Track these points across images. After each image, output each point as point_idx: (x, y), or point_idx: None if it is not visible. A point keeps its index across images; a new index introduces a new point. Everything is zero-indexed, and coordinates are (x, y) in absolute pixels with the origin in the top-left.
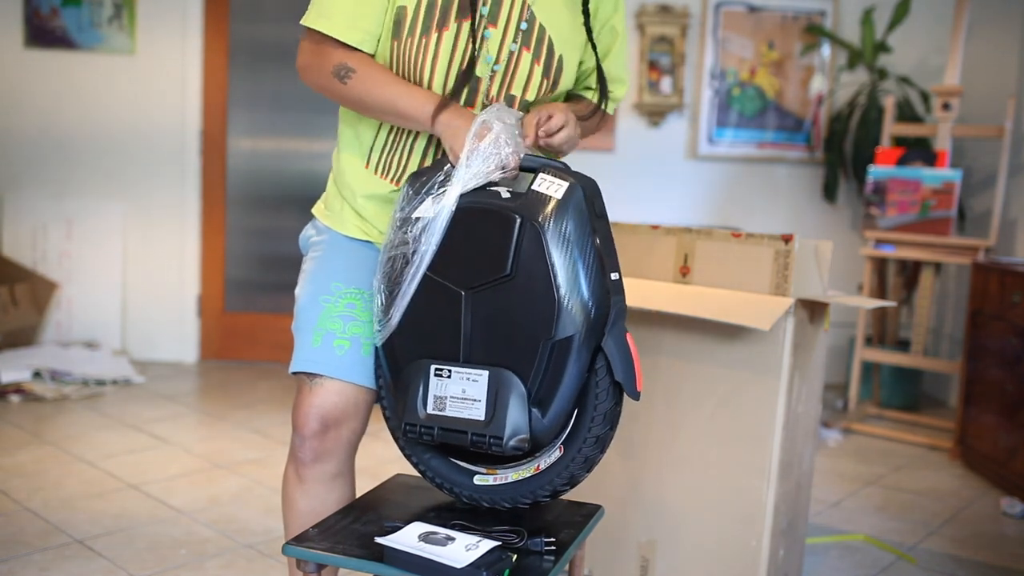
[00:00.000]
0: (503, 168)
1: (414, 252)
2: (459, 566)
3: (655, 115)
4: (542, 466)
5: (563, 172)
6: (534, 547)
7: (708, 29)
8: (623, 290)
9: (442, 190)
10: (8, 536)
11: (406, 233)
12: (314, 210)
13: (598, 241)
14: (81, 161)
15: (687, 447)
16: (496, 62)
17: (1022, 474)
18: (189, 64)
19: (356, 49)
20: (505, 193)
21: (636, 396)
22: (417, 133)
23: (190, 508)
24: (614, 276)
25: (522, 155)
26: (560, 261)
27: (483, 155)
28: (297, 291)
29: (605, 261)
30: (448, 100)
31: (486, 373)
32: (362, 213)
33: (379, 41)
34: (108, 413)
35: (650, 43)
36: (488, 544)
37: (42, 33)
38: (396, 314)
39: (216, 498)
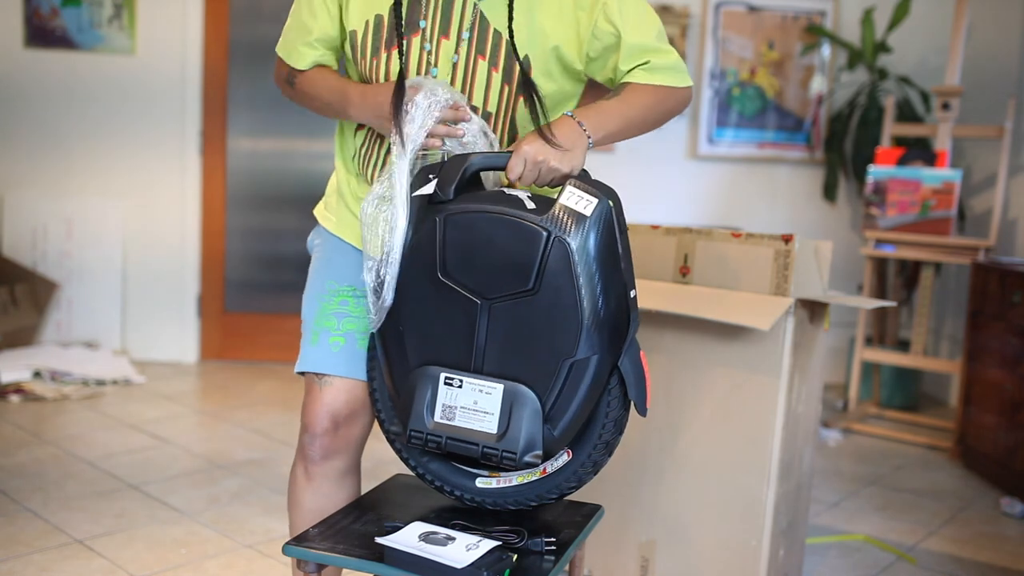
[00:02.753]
0: (445, 120)
1: (390, 228)
2: (460, 566)
3: None
4: (548, 470)
5: (590, 186)
6: (534, 547)
7: (708, 29)
8: (637, 306)
9: (393, 163)
10: (8, 536)
11: (378, 210)
12: (315, 211)
13: (622, 259)
14: (81, 161)
15: (687, 447)
16: (452, 75)
17: (1022, 474)
18: (189, 64)
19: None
20: (529, 203)
21: (644, 413)
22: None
23: (190, 508)
24: (632, 294)
25: (459, 102)
26: (586, 280)
27: (422, 108)
28: (304, 293)
29: (626, 279)
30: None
31: (501, 386)
32: (356, 213)
33: (336, 59)
34: (108, 413)
35: None
36: (488, 544)
37: (42, 33)
38: (389, 293)
39: (216, 498)
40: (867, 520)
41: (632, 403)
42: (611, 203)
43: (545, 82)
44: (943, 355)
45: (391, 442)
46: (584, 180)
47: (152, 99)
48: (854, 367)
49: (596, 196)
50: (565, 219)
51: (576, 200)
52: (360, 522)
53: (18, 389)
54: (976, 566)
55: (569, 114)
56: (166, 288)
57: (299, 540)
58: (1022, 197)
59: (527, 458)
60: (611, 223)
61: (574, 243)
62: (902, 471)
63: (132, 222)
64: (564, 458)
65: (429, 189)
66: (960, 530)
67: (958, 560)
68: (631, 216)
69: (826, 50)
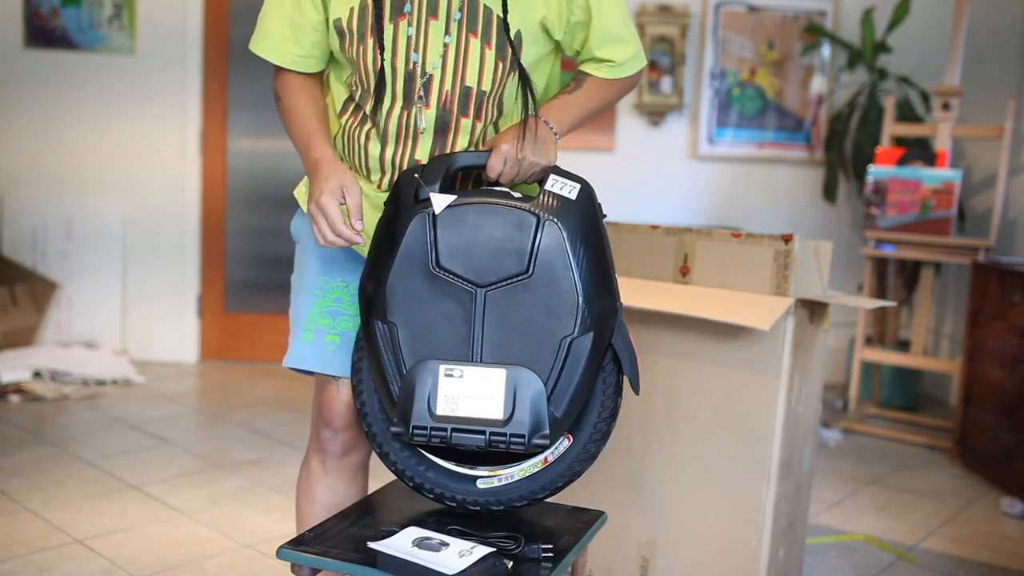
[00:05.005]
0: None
1: None
2: (451, 572)
3: (655, 115)
4: (550, 459)
5: (570, 174)
6: (531, 554)
7: (708, 29)
8: (618, 287)
9: None
10: (8, 536)
11: None
12: (295, 192)
13: (606, 240)
14: (81, 161)
15: (687, 447)
16: (444, 56)
17: (1022, 474)
18: (189, 64)
19: (292, 71)
20: (515, 193)
21: (638, 390)
22: (369, 132)
23: (190, 508)
24: (614, 274)
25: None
26: (578, 260)
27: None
28: (292, 279)
29: (610, 260)
30: (325, 155)
31: (504, 371)
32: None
33: (323, 58)
34: (108, 413)
35: (650, 43)
36: (483, 550)
37: (42, 33)
38: None
39: (216, 498)
40: (867, 520)
41: (624, 388)
42: (590, 188)
43: (531, 48)
44: (943, 355)
45: (383, 456)
46: (566, 172)
47: (152, 99)
48: (854, 367)
49: (579, 181)
50: (553, 203)
51: (561, 186)
52: (357, 526)
53: (18, 389)
54: (976, 566)
55: (534, 114)
56: (166, 288)
57: (294, 544)
58: (1022, 197)
59: (535, 439)
60: (594, 206)
61: (565, 225)
62: (902, 471)
63: (132, 222)
64: (565, 444)
65: (446, 200)
66: (960, 530)
67: (958, 560)
68: (631, 216)
69: (826, 50)
